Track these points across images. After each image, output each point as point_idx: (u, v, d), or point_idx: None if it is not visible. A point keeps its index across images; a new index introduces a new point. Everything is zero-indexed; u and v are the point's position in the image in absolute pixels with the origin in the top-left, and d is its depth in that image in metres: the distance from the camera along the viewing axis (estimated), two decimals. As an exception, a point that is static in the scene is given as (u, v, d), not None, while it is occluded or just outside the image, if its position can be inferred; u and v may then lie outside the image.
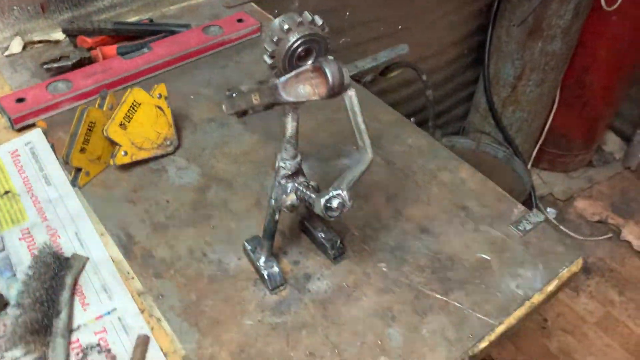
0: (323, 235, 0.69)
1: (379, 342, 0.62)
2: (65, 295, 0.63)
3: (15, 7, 0.97)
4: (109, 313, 0.63)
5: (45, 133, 0.83)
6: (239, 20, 1.05)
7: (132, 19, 1.07)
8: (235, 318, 0.63)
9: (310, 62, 0.47)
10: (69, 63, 0.92)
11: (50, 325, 0.60)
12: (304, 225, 0.72)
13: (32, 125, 0.85)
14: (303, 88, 0.46)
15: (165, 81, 0.81)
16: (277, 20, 0.48)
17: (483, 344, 0.63)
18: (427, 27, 1.78)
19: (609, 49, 1.90)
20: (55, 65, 0.92)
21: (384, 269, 0.69)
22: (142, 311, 0.64)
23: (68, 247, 0.69)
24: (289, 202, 0.61)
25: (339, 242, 0.69)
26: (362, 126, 0.56)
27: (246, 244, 0.68)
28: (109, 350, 0.60)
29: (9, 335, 0.59)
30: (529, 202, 1.88)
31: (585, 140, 2.22)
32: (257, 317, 0.63)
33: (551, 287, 0.69)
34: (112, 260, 0.68)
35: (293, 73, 0.45)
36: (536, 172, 2.33)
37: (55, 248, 0.68)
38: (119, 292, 0.65)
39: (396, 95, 1.82)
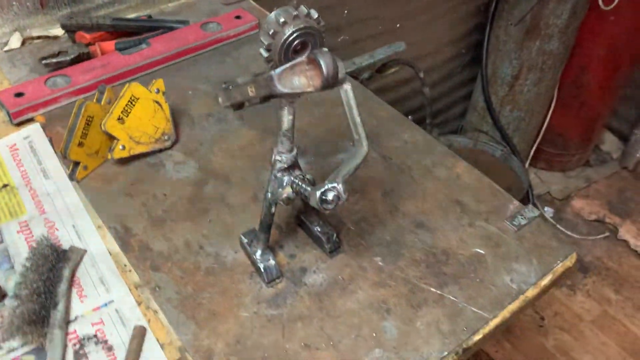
0: (319, 229, 0.70)
1: (374, 335, 0.62)
2: (62, 287, 0.63)
3: (14, 3, 0.97)
4: (106, 305, 0.64)
5: (44, 127, 0.84)
6: (237, 17, 1.06)
7: (131, 15, 1.07)
8: (232, 310, 0.64)
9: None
10: (68, 58, 0.93)
11: (48, 316, 0.61)
12: (300, 219, 0.72)
13: (31, 120, 0.85)
14: (298, 80, 0.46)
15: (164, 77, 0.82)
16: (273, 14, 0.48)
17: (477, 337, 0.64)
18: (425, 26, 1.78)
19: (607, 49, 1.91)
20: (54, 60, 0.92)
21: (380, 263, 0.70)
22: (139, 303, 0.64)
23: (66, 239, 0.70)
24: (285, 195, 0.61)
25: (335, 236, 0.70)
26: (358, 119, 0.56)
27: (243, 237, 0.69)
28: (105, 342, 0.60)
29: (6, 326, 0.59)
30: (526, 201, 1.89)
31: (582, 139, 2.23)
32: (253, 309, 0.64)
33: (545, 282, 0.70)
34: (110, 253, 0.69)
35: (288, 65, 0.46)
36: (534, 171, 2.34)
37: (53, 240, 0.68)
38: (116, 284, 0.66)
39: (394, 93, 1.83)
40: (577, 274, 1.99)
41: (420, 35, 1.79)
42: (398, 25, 1.70)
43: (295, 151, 0.61)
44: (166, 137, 0.82)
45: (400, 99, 1.86)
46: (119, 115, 0.76)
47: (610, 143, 2.44)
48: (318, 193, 0.55)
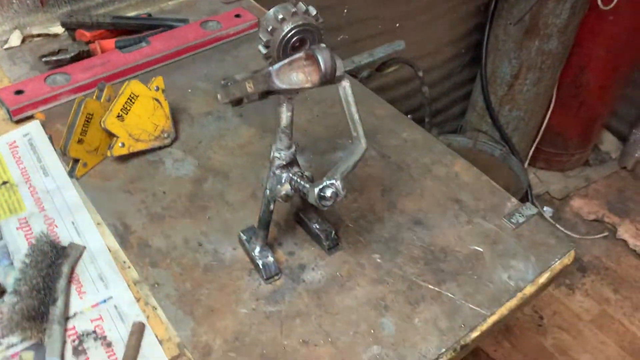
0: (318, 227, 0.70)
1: (372, 331, 0.63)
2: (61, 283, 0.64)
3: (14, 1, 0.97)
4: (105, 301, 0.64)
5: (44, 125, 0.84)
6: (237, 16, 1.06)
7: (131, 13, 1.08)
8: (230, 307, 0.64)
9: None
10: (68, 56, 0.93)
11: (47, 312, 0.61)
12: (299, 217, 0.73)
13: (31, 117, 0.85)
14: (296, 75, 0.46)
15: (163, 75, 0.82)
16: (271, 10, 0.49)
17: (475, 334, 0.64)
18: (425, 26, 1.78)
19: (606, 49, 1.91)
20: (54, 58, 0.93)
21: (378, 260, 0.70)
22: (138, 299, 0.64)
23: (65, 236, 0.70)
24: (283, 192, 0.61)
25: (333, 233, 0.70)
26: (356, 116, 0.56)
27: (241, 234, 0.69)
28: (104, 337, 0.61)
29: (5, 322, 0.60)
30: (525, 201, 1.89)
31: (581, 139, 2.23)
32: (251, 305, 0.64)
33: (543, 279, 0.70)
34: (109, 250, 0.69)
35: (286, 60, 0.46)
36: (533, 171, 2.34)
37: (53, 237, 0.69)
38: (115, 280, 0.66)
39: (393, 93, 1.83)
40: (576, 274, 1.99)
41: (420, 35, 1.79)
42: (398, 25, 1.70)
43: (293, 148, 0.61)
44: (165, 135, 0.82)
45: (400, 98, 1.86)
46: (119, 113, 0.76)
47: (609, 143, 2.44)
48: (316, 190, 0.56)
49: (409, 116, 0.92)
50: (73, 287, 0.65)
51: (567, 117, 2.13)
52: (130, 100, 0.77)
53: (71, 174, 0.77)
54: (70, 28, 0.98)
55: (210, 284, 0.66)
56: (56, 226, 0.71)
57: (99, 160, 0.79)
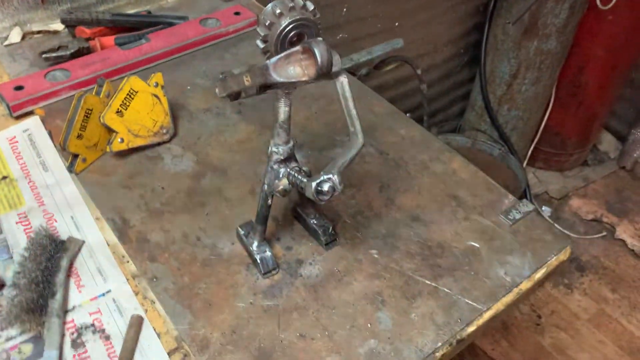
0: (315, 222, 0.71)
1: (369, 325, 0.63)
2: (60, 276, 0.64)
3: (14, -2, 0.98)
4: (103, 295, 0.64)
5: (43, 121, 0.84)
6: (237, 13, 1.06)
7: (131, 10, 1.08)
8: (228, 301, 0.64)
9: (301, 45, 0.48)
10: (68, 53, 0.93)
11: (46, 305, 0.61)
12: (297, 212, 0.73)
13: (31, 113, 0.86)
14: (293, 69, 0.47)
15: (163, 72, 0.82)
16: (269, 5, 0.49)
17: (471, 329, 0.64)
18: (424, 25, 1.79)
19: (605, 48, 1.91)
20: (54, 54, 0.93)
21: (375, 256, 0.70)
22: (137, 293, 0.65)
23: (64, 230, 0.70)
24: (281, 187, 0.62)
25: (331, 228, 0.70)
26: (353, 112, 0.57)
27: (239, 229, 0.69)
28: (103, 331, 0.61)
29: (5, 314, 0.60)
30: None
31: (580, 139, 2.24)
32: (249, 299, 0.65)
33: (539, 275, 0.70)
34: (108, 244, 0.69)
35: (283, 54, 0.47)
36: (531, 171, 2.35)
37: (52, 231, 0.69)
38: (113, 274, 0.66)
39: (392, 92, 1.83)
40: (574, 273, 1.99)
41: (419, 34, 1.80)
42: (397, 24, 1.71)
43: (291, 143, 0.61)
44: (164, 131, 0.82)
45: (398, 97, 1.87)
46: (118, 108, 0.77)
47: (608, 143, 2.44)
48: (314, 184, 0.56)
49: (407, 115, 0.93)
50: (72, 280, 0.65)
51: (565, 116, 2.14)
52: (130, 96, 0.77)
53: (70, 169, 0.77)
54: (70, 25, 0.99)
55: (209, 278, 0.66)
56: (55, 221, 0.71)
57: (98, 156, 0.79)
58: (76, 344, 0.60)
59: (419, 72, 1.32)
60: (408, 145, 0.86)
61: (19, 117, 0.85)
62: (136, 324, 0.61)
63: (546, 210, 2.20)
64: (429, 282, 0.68)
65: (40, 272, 0.63)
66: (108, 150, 0.78)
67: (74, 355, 0.59)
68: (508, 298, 0.68)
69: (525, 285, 0.69)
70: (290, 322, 0.63)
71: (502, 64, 1.92)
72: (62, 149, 0.76)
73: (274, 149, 0.61)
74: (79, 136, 0.75)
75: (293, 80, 0.47)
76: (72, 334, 0.61)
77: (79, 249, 0.68)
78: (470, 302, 0.66)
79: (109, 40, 0.97)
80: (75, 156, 0.76)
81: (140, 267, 0.67)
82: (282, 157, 0.61)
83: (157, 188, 0.77)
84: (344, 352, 0.60)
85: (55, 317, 0.60)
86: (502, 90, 1.97)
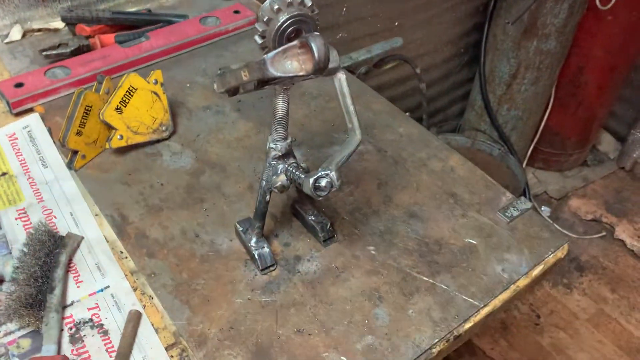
0: (314, 219, 0.71)
1: (366, 321, 0.63)
2: (59, 272, 0.64)
3: (15, -4, 0.98)
4: (102, 290, 0.65)
5: (43, 118, 0.85)
6: (236, 12, 1.07)
7: (131, 9, 1.09)
8: (226, 296, 0.65)
9: (299, 41, 0.49)
10: (68, 50, 0.94)
11: (45, 300, 0.61)
12: (295, 209, 0.73)
13: (30, 110, 0.86)
14: (290, 63, 0.47)
15: (162, 69, 0.83)
16: (267, 1, 0.49)
17: (468, 325, 0.64)
18: (424, 25, 1.79)
19: (604, 49, 1.92)
20: (54, 52, 0.93)
21: (373, 252, 0.71)
22: (135, 289, 0.65)
23: (63, 226, 0.71)
24: (279, 183, 0.62)
25: (329, 225, 0.71)
26: (351, 108, 0.57)
27: (238, 225, 0.70)
28: (101, 326, 0.61)
29: (3, 309, 0.60)
30: (523, 200, 1.89)
31: (579, 139, 2.24)
32: (247, 295, 0.65)
33: (536, 272, 0.71)
34: (106, 240, 0.70)
35: (280, 49, 0.47)
36: (531, 171, 2.35)
37: (51, 227, 0.69)
38: (112, 270, 0.66)
39: (391, 91, 1.83)
40: (574, 273, 2.00)
41: (419, 34, 1.80)
42: (397, 24, 1.71)
43: (289, 139, 0.61)
44: (164, 128, 0.82)
45: (398, 97, 1.87)
46: (117, 105, 0.77)
47: (607, 143, 2.45)
48: (311, 180, 0.56)
49: (407, 114, 0.93)
50: (70, 276, 0.66)
51: (565, 117, 2.14)
52: (129, 93, 0.78)
53: (70, 165, 0.77)
54: (70, 23, 0.99)
55: (207, 274, 0.67)
56: (54, 217, 0.72)
57: (97, 153, 0.80)
58: (74, 339, 0.60)
59: (418, 71, 1.32)
60: (406, 142, 0.86)
61: (18, 114, 0.85)
62: (134, 319, 0.61)
63: (545, 211, 2.20)
64: (426, 279, 0.68)
65: (39, 268, 0.63)
66: (107, 146, 0.79)
67: (72, 350, 0.59)
68: (505, 295, 0.68)
69: (523, 282, 0.69)
70: (288, 317, 0.63)
71: (501, 64, 1.92)
72: (62, 145, 0.76)
73: (272, 145, 0.61)
74: (79, 133, 0.75)
75: (290, 74, 0.47)
76: (71, 329, 0.61)
77: (78, 245, 0.69)
78: (467, 298, 0.66)
79: (109, 38, 0.97)
80: (75, 153, 0.77)
81: (138, 263, 0.67)
82: (280, 153, 0.61)
83: (156, 184, 0.77)
84: (341, 348, 0.60)
85: (53, 312, 0.61)
86: (502, 90, 1.98)
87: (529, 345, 1.78)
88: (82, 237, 0.69)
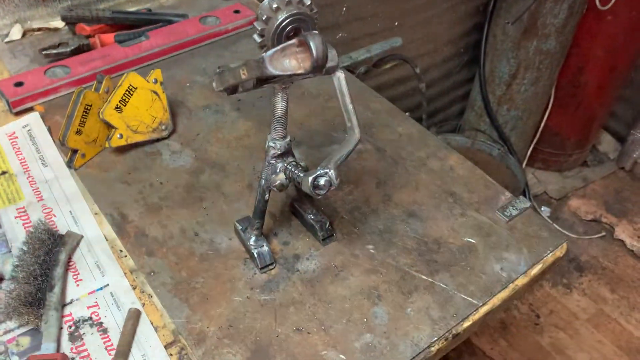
0: (313, 217, 0.71)
1: (365, 320, 0.63)
2: (59, 270, 0.64)
3: (15, -5, 0.99)
4: (101, 289, 0.65)
5: (43, 117, 0.85)
6: (236, 12, 1.07)
7: (131, 8, 1.09)
8: (225, 295, 0.65)
9: (297, 40, 0.49)
10: (68, 50, 0.94)
11: (44, 298, 0.62)
12: (294, 208, 0.73)
13: (30, 109, 0.86)
14: (289, 62, 0.47)
15: (162, 69, 0.83)
16: (266, 0, 0.50)
17: (466, 324, 0.64)
18: (424, 25, 1.79)
19: (604, 49, 1.92)
20: (54, 51, 0.94)
21: (372, 251, 0.71)
22: (134, 287, 0.65)
23: (63, 225, 0.71)
24: (278, 182, 0.62)
25: (328, 224, 0.71)
26: (350, 107, 0.57)
27: (237, 223, 0.70)
28: (100, 324, 0.61)
29: (3, 307, 0.61)
30: (522, 200, 1.89)
31: (579, 139, 2.24)
32: (246, 294, 0.65)
33: (535, 271, 0.71)
34: (106, 239, 0.70)
35: (279, 47, 0.47)
36: (531, 171, 2.35)
37: (50, 226, 0.69)
38: (111, 269, 0.67)
39: (391, 92, 1.84)
40: (573, 273, 2.00)
41: (419, 34, 1.80)
42: (396, 24, 1.71)
43: (288, 138, 0.62)
44: (163, 127, 0.83)
45: (398, 97, 1.87)
46: (117, 104, 0.77)
47: (607, 143, 2.45)
48: (310, 178, 0.57)
49: (407, 114, 0.93)
50: (70, 274, 0.66)
51: (565, 117, 2.14)
52: (129, 92, 0.78)
53: (69, 164, 0.77)
54: (70, 22, 0.99)
55: (206, 272, 0.67)
56: (54, 215, 0.72)
57: (97, 152, 0.80)
58: (74, 337, 0.60)
59: (417, 70, 1.32)
60: (405, 142, 0.86)
61: (18, 113, 0.85)
62: (133, 318, 0.61)
63: (545, 211, 2.20)
64: (425, 278, 0.68)
65: (39, 266, 0.63)
66: (107, 145, 0.79)
67: (72, 348, 0.59)
68: (504, 293, 0.68)
69: (521, 281, 0.69)
70: (287, 316, 0.63)
71: (501, 64, 1.92)
72: (62, 144, 0.76)
73: (271, 144, 0.61)
74: (78, 132, 0.75)
75: (289, 73, 0.47)
76: (70, 327, 0.61)
77: (78, 244, 0.69)
78: (466, 297, 0.66)
79: (109, 37, 0.97)
80: (75, 151, 0.77)
81: (138, 262, 0.67)
82: (279, 152, 0.62)
83: (155, 183, 0.77)
84: (340, 346, 0.61)
85: (53, 310, 0.61)
86: (502, 90, 1.98)
87: (529, 345, 1.78)
88: (82, 236, 0.70)
